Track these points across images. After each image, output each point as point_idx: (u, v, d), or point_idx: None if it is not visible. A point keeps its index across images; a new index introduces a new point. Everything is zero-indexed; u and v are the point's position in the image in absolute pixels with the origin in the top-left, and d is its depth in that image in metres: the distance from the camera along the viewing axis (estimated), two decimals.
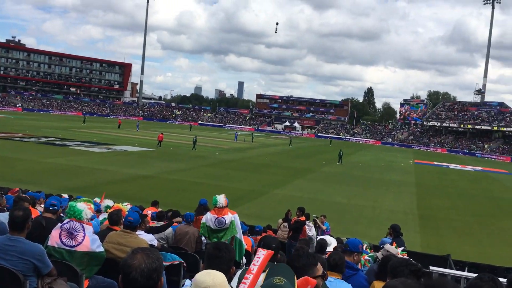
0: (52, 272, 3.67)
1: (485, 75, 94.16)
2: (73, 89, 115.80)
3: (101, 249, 4.26)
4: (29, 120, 63.01)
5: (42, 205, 8.06)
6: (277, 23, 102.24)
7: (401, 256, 5.21)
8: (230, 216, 6.54)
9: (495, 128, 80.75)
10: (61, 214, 6.50)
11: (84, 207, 4.24)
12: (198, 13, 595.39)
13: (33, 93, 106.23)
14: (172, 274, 5.07)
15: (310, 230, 11.01)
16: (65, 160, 27.58)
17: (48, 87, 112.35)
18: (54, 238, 4.08)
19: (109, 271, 4.27)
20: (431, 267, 8.10)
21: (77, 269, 3.94)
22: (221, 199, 6.61)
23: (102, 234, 4.78)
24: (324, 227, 12.97)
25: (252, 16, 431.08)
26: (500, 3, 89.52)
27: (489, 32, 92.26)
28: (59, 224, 4.18)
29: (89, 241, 4.11)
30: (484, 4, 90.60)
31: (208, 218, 6.53)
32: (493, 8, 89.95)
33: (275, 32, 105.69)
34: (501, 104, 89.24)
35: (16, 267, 3.54)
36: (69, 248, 4.05)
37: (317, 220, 13.07)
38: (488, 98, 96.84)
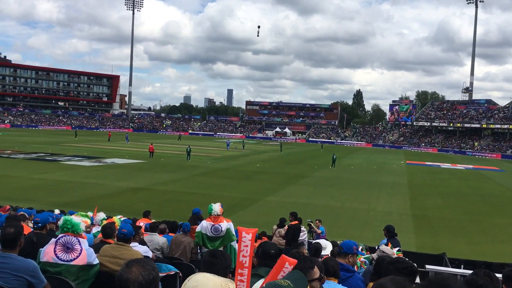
0: (46, 287, 3.63)
1: (472, 73, 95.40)
2: (61, 103, 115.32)
3: (97, 261, 4.23)
4: (18, 136, 62.44)
5: None
6: (258, 26, 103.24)
7: (396, 256, 5.21)
8: (226, 224, 6.53)
9: (484, 126, 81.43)
10: (53, 229, 6.44)
11: (80, 220, 4.23)
12: (184, 23, 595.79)
13: (21, 109, 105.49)
14: (168, 284, 5.03)
15: (303, 234, 10.98)
16: (55, 175, 27.36)
17: (36, 102, 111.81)
18: (49, 253, 4.04)
19: (104, 285, 4.23)
20: (427, 266, 8.13)
21: (72, 283, 3.89)
22: (217, 207, 6.62)
23: (95, 248, 4.74)
24: (320, 231, 12.99)
25: (238, 24, 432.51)
26: (483, 1, 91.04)
27: (474, 31, 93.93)
28: (53, 239, 4.14)
29: (86, 255, 4.10)
30: (468, 3, 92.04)
31: (204, 226, 6.52)
32: (476, 7, 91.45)
33: (257, 35, 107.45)
34: (489, 101, 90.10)
35: (10, 285, 3.49)
36: (66, 263, 4.01)
37: (312, 224, 13.08)
38: (475, 96, 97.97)
